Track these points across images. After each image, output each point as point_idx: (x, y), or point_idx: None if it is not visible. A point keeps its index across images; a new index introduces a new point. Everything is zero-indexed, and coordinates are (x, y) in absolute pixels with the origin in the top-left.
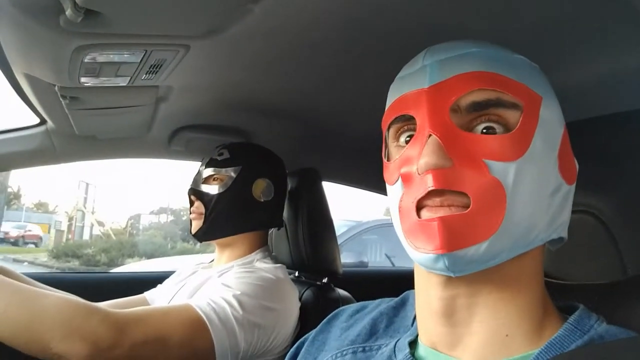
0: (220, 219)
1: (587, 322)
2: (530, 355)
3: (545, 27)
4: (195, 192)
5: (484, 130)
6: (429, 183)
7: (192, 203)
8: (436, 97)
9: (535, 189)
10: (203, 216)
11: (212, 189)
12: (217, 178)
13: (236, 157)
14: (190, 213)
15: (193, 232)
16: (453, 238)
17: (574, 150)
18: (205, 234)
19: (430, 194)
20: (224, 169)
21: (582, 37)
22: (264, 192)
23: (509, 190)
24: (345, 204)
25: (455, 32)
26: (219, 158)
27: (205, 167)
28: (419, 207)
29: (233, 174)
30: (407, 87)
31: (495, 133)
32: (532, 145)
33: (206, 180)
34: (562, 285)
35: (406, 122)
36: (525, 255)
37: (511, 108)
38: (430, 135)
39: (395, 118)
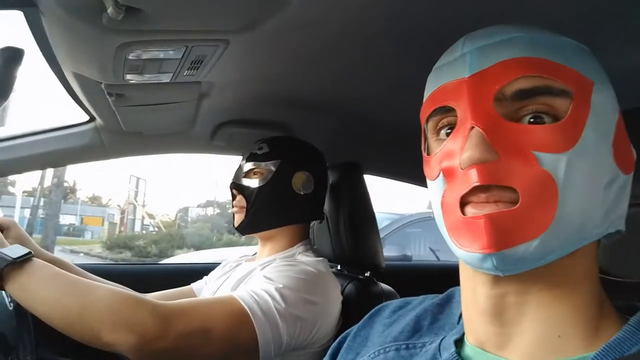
0: (261, 212)
1: None
2: (585, 358)
3: (600, 8)
4: (236, 186)
5: (532, 120)
6: (474, 178)
7: (234, 197)
8: (478, 87)
9: (588, 181)
10: (245, 210)
11: (252, 182)
12: (257, 172)
13: (275, 150)
14: (233, 207)
15: (236, 225)
16: (501, 236)
17: (632, 138)
18: (247, 227)
19: (475, 190)
20: (263, 163)
21: None
22: (304, 185)
23: (560, 183)
24: (389, 197)
25: (499, 19)
26: (258, 152)
27: (246, 162)
28: (463, 204)
29: (273, 168)
30: (446, 77)
31: (544, 123)
32: (584, 134)
33: (247, 174)
34: (620, 283)
35: (446, 113)
36: (578, 251)
37: (560, 95)
38: (472, 128)
39: (435, 110)
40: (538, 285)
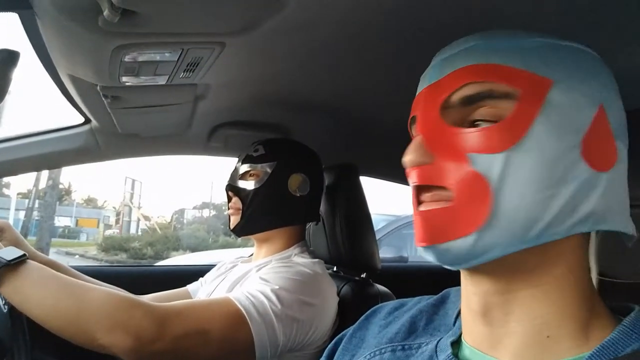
0: (257, 214)
1: None
2: (579, 359)
3: (602, 10)
4: (232, 188)
5: (477, 124)
6: (413, 179)
7: (229, 199)
8: (431, 96)
9: (533, 179)
10: (240, 211)
11: (248, 184)
12: (253, 174)
13: (271, 152)
14: (229, 208)
15: (231, 227)
16: (434, 231)
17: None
18: (243, 229)
19: (420, 190)
20: (259, 165)
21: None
22: (300, 186)
23: (494, 182)
24: (385, 199)
25: (498, 21)
26: (254, 154)
27: (242, 163)
28: (420, 202)
29: (268, 170)
30: (420, 88)
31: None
32: (530, 133)
33: (243, 176)
34: (615, 283)
35: (415, 122)
36: (550, 250)
37: (504, 98)
38: (418, 135)
39: (410, 119)
40: (515, 285)
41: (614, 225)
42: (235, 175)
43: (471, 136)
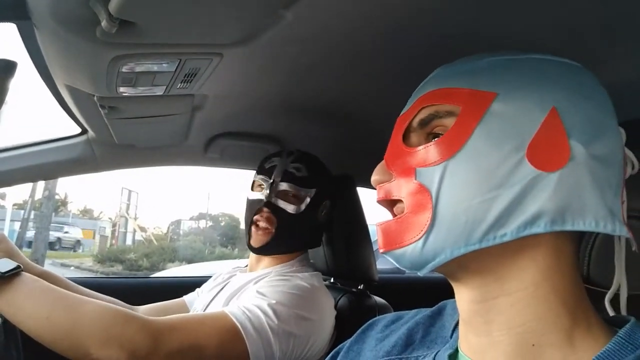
0: (288, 238)
1: (639, 336)
2: None
3: (590, 27)
4: (270, 206)
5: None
6: (377, 196)
7: (257, 212)
8: (399, 124)
9: (472, 185)
10: (272, 232)
11: (288, 207)
12: (295, 195)
13: (313, 176)
14: (253, 223)
15: (256, 245)
16: (389, 239)
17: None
18: (269, 250)
19: (383, 204)
20: (303, 189)
21: (631, 35)
22: (326, 213)
23: (434, 191)
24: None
25: (496, 37)
26: (297, 174)
27: (281, 181)
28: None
29: (309, 196)
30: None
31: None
32: (470, 143)
33: (284, 196)
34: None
35: None
36: (520, 255)
37: (447, 116)
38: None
39: None
40: (491, 293)
41: (581, 226)
42: (273, 192)
43: (419, 153)
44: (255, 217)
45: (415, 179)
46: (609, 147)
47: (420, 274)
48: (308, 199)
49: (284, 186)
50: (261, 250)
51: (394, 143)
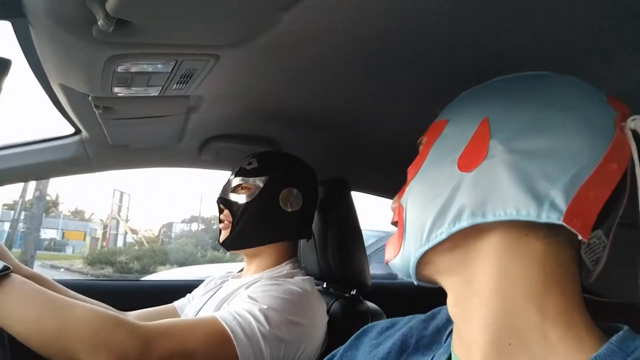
0: (247, 229)
1: (631, 344)
2: None
3: (583, 36)
4: (223, 201)
5: None
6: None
7: (221, 211)
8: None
9: (421, 196)
10: (230, 225)
11: (239, 198)
12: (245, 187)
13: (264, 166)
14: (220, 222)
15: (221, 240)
16: (388, 252)
17: None
18: (232, 244)
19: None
20: (251, 179)
21: (623, 43)
22: (292, 202)
23: (405, 207)
24: (375, 214)
25: (490, 43)
26: (247, 167)
27: (234, 176)
28: None
29: (260, 184)
30: None
31: None
32: (424, 165)
33: (235, 190)
34: (605, 303)
35: None
36: (471, 253)
37: (422, 145)
38: None
39: None
40: (463, 295)
41: (503, 215)
42: (227, 188)
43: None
44: (220, 217)
45: (399, 201)
46: (545, 142)
47: (415, 282)
48: (259, 188)
49: (236, 181)
50: (226, 245)
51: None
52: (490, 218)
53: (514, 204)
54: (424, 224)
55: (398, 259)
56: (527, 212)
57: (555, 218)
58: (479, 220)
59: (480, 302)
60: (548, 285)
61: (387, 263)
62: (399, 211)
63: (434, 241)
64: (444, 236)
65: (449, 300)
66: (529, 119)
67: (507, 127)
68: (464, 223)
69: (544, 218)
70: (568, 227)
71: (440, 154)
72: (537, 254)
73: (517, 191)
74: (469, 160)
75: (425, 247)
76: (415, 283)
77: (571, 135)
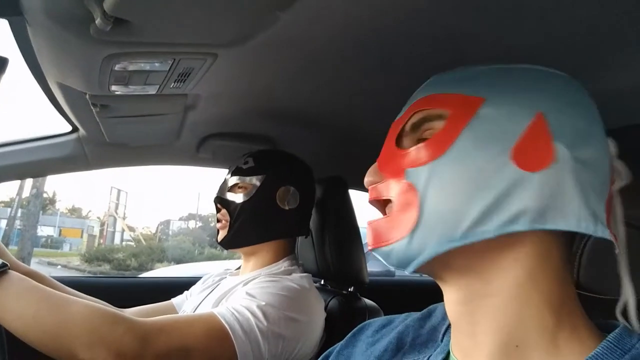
0: (244, 228)
1: (628, 341)
2: None
3: (583, 36)
4: (220, 201)
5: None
6: (369, 196)
7: (218, 210)
8: (393, 128)
9: (457, 184)
10: (228, 224)
11: (236, 197)
12: (242, 186)
13: (260, 165)
14: (217, 221)
15: (219, 240)
16: (377, 237)
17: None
18: (230, 242)
19: (381, 204)
20: (248, 178)
21: (622, 44)
22: (289, 200)
23: (421, 190)
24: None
25: (489, 42)
26: (244, 167)
27: (231, 176)
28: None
29: (257, 183)
30: None
31: None
32: (456, 144)
33: (231, 189)
34: (601, 300)
35: None
36: (503, 255)
37: (436, 119)
38: None
39: None
40: (476, 294)
41: (562, 225)
42: (224, 188)
43: (409, 154)
44: (217, 216)
45: (405, 179)
46: (594, 153)
47: (407, 272)
48: (256, 187)
49: (232, 180)
50: (224, 244)
51: (387, 146)
52: (549, 226)
53: (574, 216)
54: (461, 217)
55: (401, 245)
56: (586, 225)
57: (607, 234)
58: (538, 226)
59: (494, 304)
60: (562, 290)
61: (373, 248)
62: (407, 191)
63: (471, 239)
64: (488, 236)
65: (454, 298)
66: (584, 126)
67: (568, 132)
68: (521, 227)
69: (599, 233)
70: (614, 241)
71: (481, 138)
72: (558, 260)
73: (578, 203)
74: (531, 159)
75: (457, 244)
76: (408, 273)
77: (604, 150)
